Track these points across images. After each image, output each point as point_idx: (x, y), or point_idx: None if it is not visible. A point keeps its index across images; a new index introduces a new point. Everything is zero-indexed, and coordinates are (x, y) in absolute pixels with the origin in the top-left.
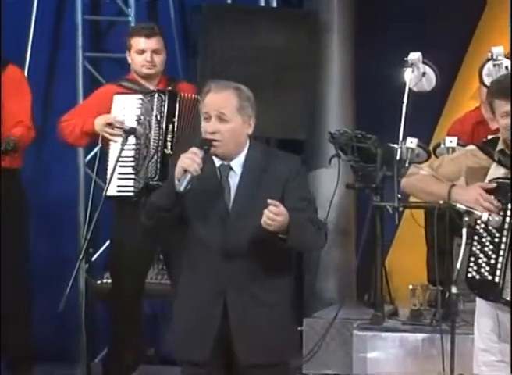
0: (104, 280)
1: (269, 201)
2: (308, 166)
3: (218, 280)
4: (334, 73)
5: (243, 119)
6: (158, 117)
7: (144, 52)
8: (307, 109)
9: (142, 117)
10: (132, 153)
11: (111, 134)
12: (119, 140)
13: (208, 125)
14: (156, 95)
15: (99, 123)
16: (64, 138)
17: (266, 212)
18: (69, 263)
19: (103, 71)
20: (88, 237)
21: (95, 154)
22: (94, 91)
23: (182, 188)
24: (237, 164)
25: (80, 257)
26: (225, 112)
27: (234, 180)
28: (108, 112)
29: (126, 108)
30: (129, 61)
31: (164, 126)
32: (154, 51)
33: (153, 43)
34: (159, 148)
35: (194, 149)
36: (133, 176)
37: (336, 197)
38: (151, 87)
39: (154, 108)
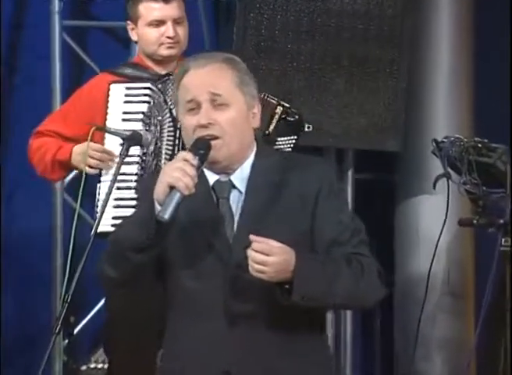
0: (92, 365)
1: (252, 237)
2: (403, 191)
3: (222, 355)
4: (442, 52)
5: (248, 103)
6: (174, 112)
7: (161, 24)
8: (401, 106)
9: (151, 114)
10: (135, 168)
11: (96, 166)
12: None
13: (195, 117)
14: (171, 81)
15: (76, 152)
16: (32, 164)
17: (250, 253)
18: (39, 338)
19: (89, 47)
20: (69, 299)
21: (79, 173)
22: (79, 81)
23: (167, 216)
24: (240, 178)
25: (56, 330)
26: (221, 92)
27: (238, 203)
28: (101, 111)
29: (128, 102)
30: (134, 38)
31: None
32: (176, 22)
33: (174, 9)
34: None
35: (185, 154)
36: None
37: (445, 238)
38: (165, 72)
39: (168, 99)
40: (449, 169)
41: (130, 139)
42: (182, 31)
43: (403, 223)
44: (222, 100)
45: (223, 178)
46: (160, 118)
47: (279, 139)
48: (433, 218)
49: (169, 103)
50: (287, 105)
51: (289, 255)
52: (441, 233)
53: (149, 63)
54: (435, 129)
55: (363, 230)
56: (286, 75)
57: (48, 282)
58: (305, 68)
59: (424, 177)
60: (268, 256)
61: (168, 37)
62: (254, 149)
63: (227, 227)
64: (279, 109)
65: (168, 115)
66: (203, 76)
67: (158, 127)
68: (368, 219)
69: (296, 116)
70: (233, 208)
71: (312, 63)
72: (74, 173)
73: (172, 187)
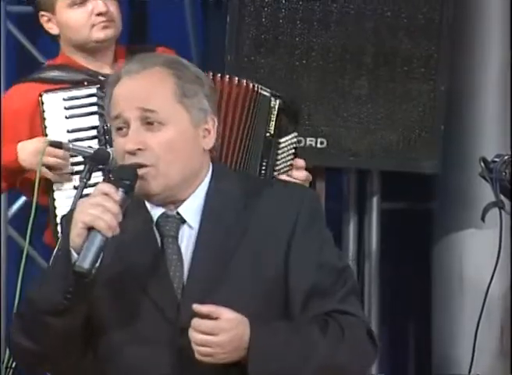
0: None
1: (195, 306)
2: (442, 225)
3: None
4: (492, 46)
5: (194, 120)
6: None
7: (86, 1)
8: (439, 116)
9: (106, 128)
10: None
11: (54, 171)
12: (72, 181)
13: (124, 139)
14: None
15: (27, 148)
16: None
17: (190, 333)
18: None
19: (39, 37)
20: (14, 364)
21: (28, 201)
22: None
23: (87, 265)
24: (192, 209)
25: None
26: (155, 108)
27: (189, 243)
28: (31, 133)
29: (71, 116)
30: (54, 31)
31: None
32: None
33: None
34: None
35: (104, 186)
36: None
37: (497, 285)
38: (105, 70)
39: None
40: (502, 197)
41: (95, 158)
42: (113, 6)
43: (443, 266)
44: (156, 118)
45: (170, 211)
46: None
47: (281, 141)
48: (481, 259)
49: None
50: (278, 93)
51: (240, 329)
52: (491, 279)
53: (80, 60)
54: (484, 145)
55: (352, 274)
56: (293, 75)
57: None
58: (318, 67)
59: (469, 207)
60: (214, 336)
61: (100, 14)
62: (209, 173)
63: (174, 277)
64: (275, 102)
65: None
66: (134, 86)
67: None
68: (397, 260)
69: (294, 105)
70: (183, 251)
71: (327, 61)
72: (21, 201)
73: (89, 229)
